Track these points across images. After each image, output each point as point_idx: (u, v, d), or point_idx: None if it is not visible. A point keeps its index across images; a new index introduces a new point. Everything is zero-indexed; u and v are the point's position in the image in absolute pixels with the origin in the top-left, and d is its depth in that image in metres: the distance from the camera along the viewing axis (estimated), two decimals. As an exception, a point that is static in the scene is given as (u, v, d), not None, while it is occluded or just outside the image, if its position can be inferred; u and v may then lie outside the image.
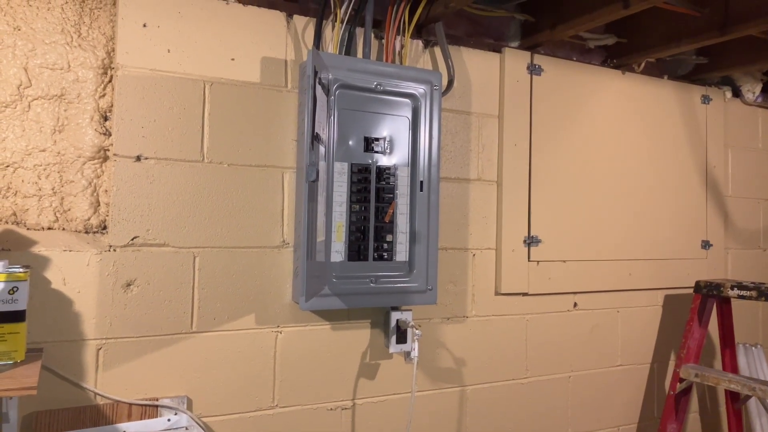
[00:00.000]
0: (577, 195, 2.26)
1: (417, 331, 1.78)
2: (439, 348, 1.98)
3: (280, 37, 1.74)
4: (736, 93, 2.76)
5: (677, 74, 2.59)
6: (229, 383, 1.65)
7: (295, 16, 1.77)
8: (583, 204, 2.27)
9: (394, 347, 1.82)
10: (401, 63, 1.86)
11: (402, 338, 1.83)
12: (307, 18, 1.78)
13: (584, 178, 2.28)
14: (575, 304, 2.27)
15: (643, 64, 2.44)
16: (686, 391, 2.36)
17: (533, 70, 2.16)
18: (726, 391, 2.49)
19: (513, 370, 2.13)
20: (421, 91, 1.81)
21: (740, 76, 2.73)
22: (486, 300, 2.07)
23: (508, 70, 2.12)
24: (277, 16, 1.74)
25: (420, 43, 1.96)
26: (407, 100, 1.81)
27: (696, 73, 2.59)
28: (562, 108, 2.23)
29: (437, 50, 1.98)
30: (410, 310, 1.86)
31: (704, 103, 2.63)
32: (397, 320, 1.82)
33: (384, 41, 1.82)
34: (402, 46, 1.85)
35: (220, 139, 1.65)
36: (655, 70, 2.51)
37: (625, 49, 2.36)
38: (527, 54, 2.16)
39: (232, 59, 1.67)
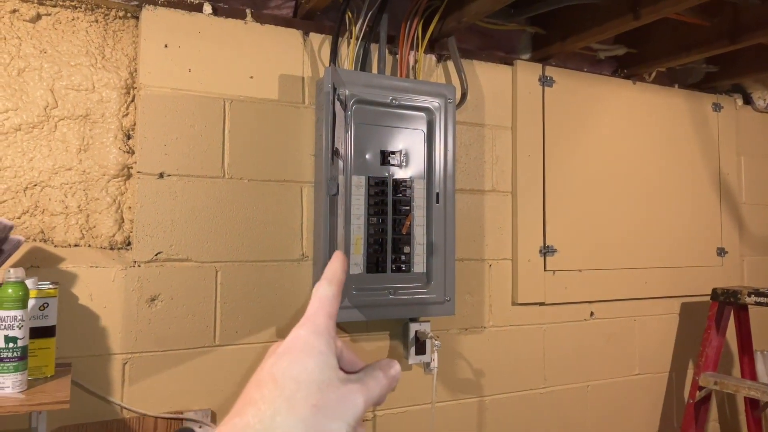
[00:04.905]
0: (591, 204, 2.27)
1: (436, 342, 1.79)
2: (458, 359, 1.99)
3: (297, 55, 1.78)
4: (747, 100, 2.77)
5: (687, 83, 2.61)
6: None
7: (312, 34, 1.81)
8: (597, 213, 2.28)
9: (413, 358, 1.84)
10: (415, 77, 1.89)
11: (421, 349, 1.84)
12: (323, 35, 1.82)
13: (598, 188, 2.29)
14: (592, 314, 2.27)
15: (653, 74, 2.46)
16: (705, 399, 2.35)
17: (545, 81, 2.19)
18: (745, 398, 2.47)
19: (531, 380, 2.13)
20: (436, 104, 1.84)
21: (751, 84, 2.74)
22: (503, 310, 2.08)
23: (520, 82, 2.14)
24: (293, 35, 1.78)
25: (433, 57, 1.99)
26: (422, 114, 1.83)
27: (706, 82, 2.61)
28: (574, 118, 2.25)
29: (450, 64, 2.01)
30: (428, 321, 1.87)
31: (715, 111, 2.64)
32: (416, 331, 1.84)
33: (398, 56, 1.85)
34: (416, 61, 1.88)
35: (239, 155, 1.69)
36: (666, 80, 2.53)
37: (636, 59, 2.38)
38: (539, 66, 2.18)
39: (251, 77, 1.71)
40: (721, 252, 2.61)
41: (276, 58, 1.75)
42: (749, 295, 2.29)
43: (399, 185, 1.80)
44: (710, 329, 2.37)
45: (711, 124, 2.63)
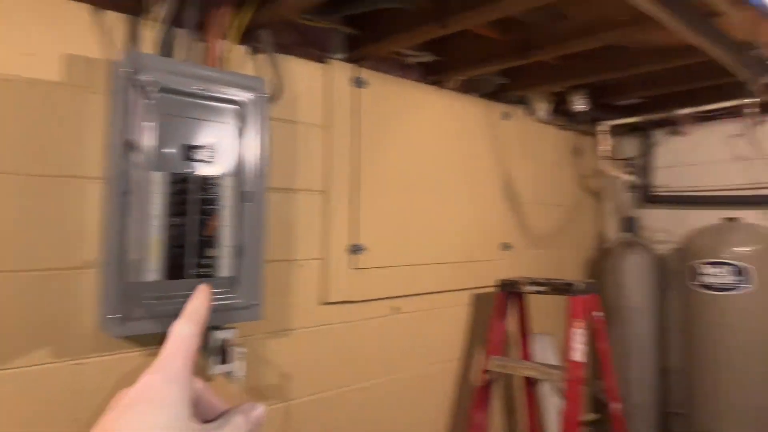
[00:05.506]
0: (399, 203, 2.36)
1: (241, 349, 1.71)
2: (266, 364, 1.93)
3: (89, 33, 1.54)
4: (531, 111, 3.09)
5: (483, 92, 2.82)
6: (21, 428, 1.43)
7: (109, 12, 1.58)
8: (404, 212, 2.38)
9: (217, 368, 1.73)
10: (227, 69, 1.76)
11: (226, 358, 1.74)
12: (122, 14, 1.60)
13: (405, 188, 2.39)
14: (396, 309, 2.37)
15: (455, 82, 2.61)
16: (491, 381, 2.60)
17: (358, 82, 2.20)
18: (525, 377, 2.80)
19: (339, 379, 2.15)
20: (248, 98, 1.73)
21: (534, 96, 3.06)
22: (312, 310, 2.06)
23: (334, 81, 2.13)
24: (86, 10, 1.54)
25: (247, 49, 1.88)
26: (233, 107, 1.72)
27: (499, 92, 2.85)
28: (385, 120, 2.31)
29: (265, 58, 1.91)
30: (235, 327, 1.78)
31: (504, 119, 2.91)
32: (221, 339, 1.73)
33: (208, 45, 1.71)
34: (228, 51, 1.75)
35: (9, 145, 1.41)
36: (466, 88, 2.71)
37: (441, 67, 2.51)
38: (352, 66, 2.19)
39: (30, 54, 1.44)
40: (506, 246, 2.91)
41: (63, 35, 1.49)
42: (527, 284, 2.58)
43: (205, 183, 1.66)
44: (495, 317, 2.63)
45: (501, 130, 2.89)
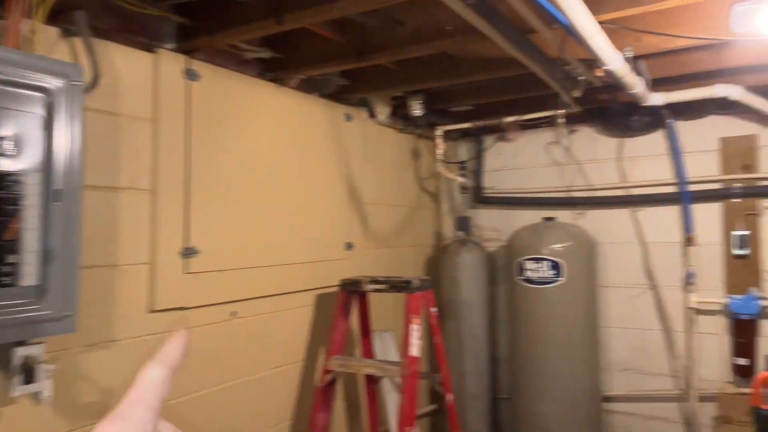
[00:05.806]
0: (237, 204, 2.27)
1: (49, 367, 1.53)
2: (82, 381, 1.74)
3: None
4: (372, 113, 3.16)
5: (325, 92, 2.82)
6: None
7: None
8: (242, 213, 2.29)
9: (20, 389, 1.52)
10: (33, 51, 1.56)
11: (31, 377, 1.54)
12: None
13: (243, 187, 2.30)
14: (234, 313, 2.28)
15: (296, 81, 2.58)
16: (333, 381, 2.61)
17: (190, 74, 2.08)
18: (366, 375, 2.84)
19: (172, 390, 2.01)
20: (58, 85, 1.55)
21: (374, 99, 3.14)
22: (139, 319, 1.91)
23: (163, 72, 1.99)
24: None
25: (57, 30, 1.68)
26: (40, 95, 1.52)
27: (340, 93, 2.87)
28: (221, 116, 2.20)
29: (79, 42, 1.73)
30: (42, 342, 1.58)
31: (347, 120, 2.95)
32: (24, 357, 1.53)
33: (8, 23, 1.50)
34: (34, 32, 1.55)
35: None
36: (307, 87, 2.69)
37: (280, 64, 2.47)
38: (184, 58, 2.06)
39: None
40: (349, 246, 2.94)
41: None
42: (368, 283, 2.63)
43: (5, 179, 1.46)
44: (338, 316, 2.64)
45: (343, 132, 2.91)
